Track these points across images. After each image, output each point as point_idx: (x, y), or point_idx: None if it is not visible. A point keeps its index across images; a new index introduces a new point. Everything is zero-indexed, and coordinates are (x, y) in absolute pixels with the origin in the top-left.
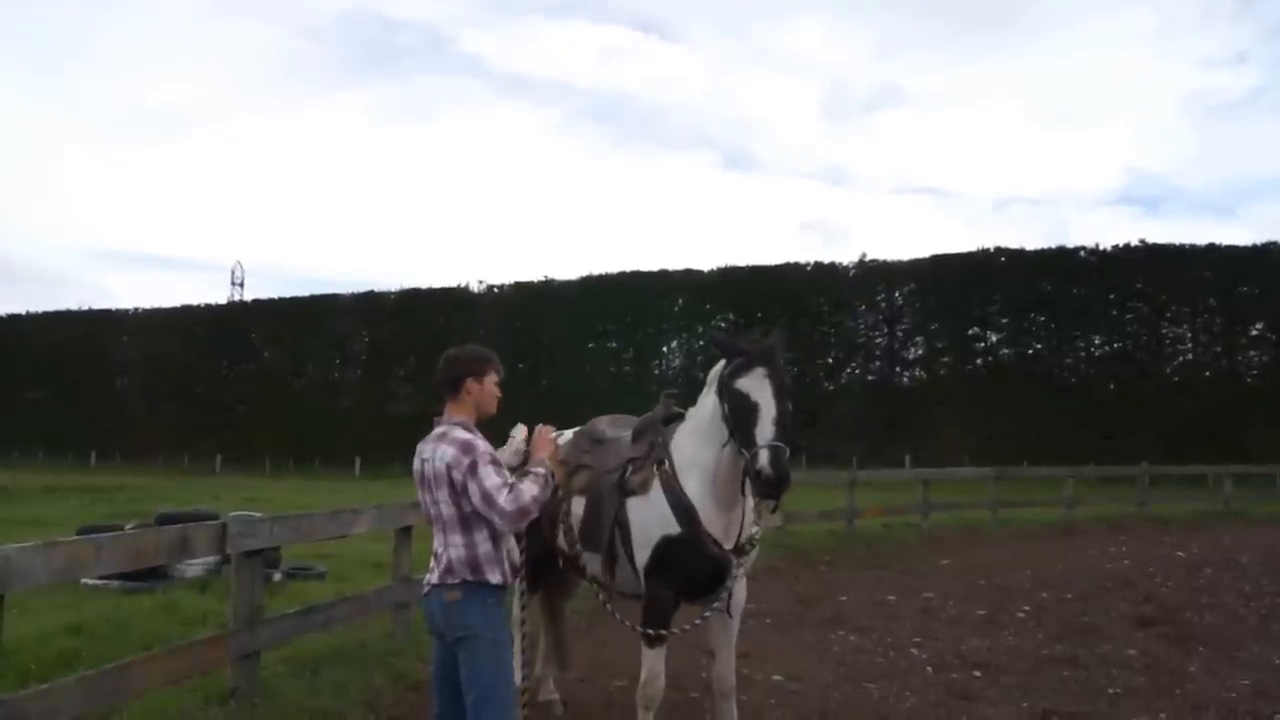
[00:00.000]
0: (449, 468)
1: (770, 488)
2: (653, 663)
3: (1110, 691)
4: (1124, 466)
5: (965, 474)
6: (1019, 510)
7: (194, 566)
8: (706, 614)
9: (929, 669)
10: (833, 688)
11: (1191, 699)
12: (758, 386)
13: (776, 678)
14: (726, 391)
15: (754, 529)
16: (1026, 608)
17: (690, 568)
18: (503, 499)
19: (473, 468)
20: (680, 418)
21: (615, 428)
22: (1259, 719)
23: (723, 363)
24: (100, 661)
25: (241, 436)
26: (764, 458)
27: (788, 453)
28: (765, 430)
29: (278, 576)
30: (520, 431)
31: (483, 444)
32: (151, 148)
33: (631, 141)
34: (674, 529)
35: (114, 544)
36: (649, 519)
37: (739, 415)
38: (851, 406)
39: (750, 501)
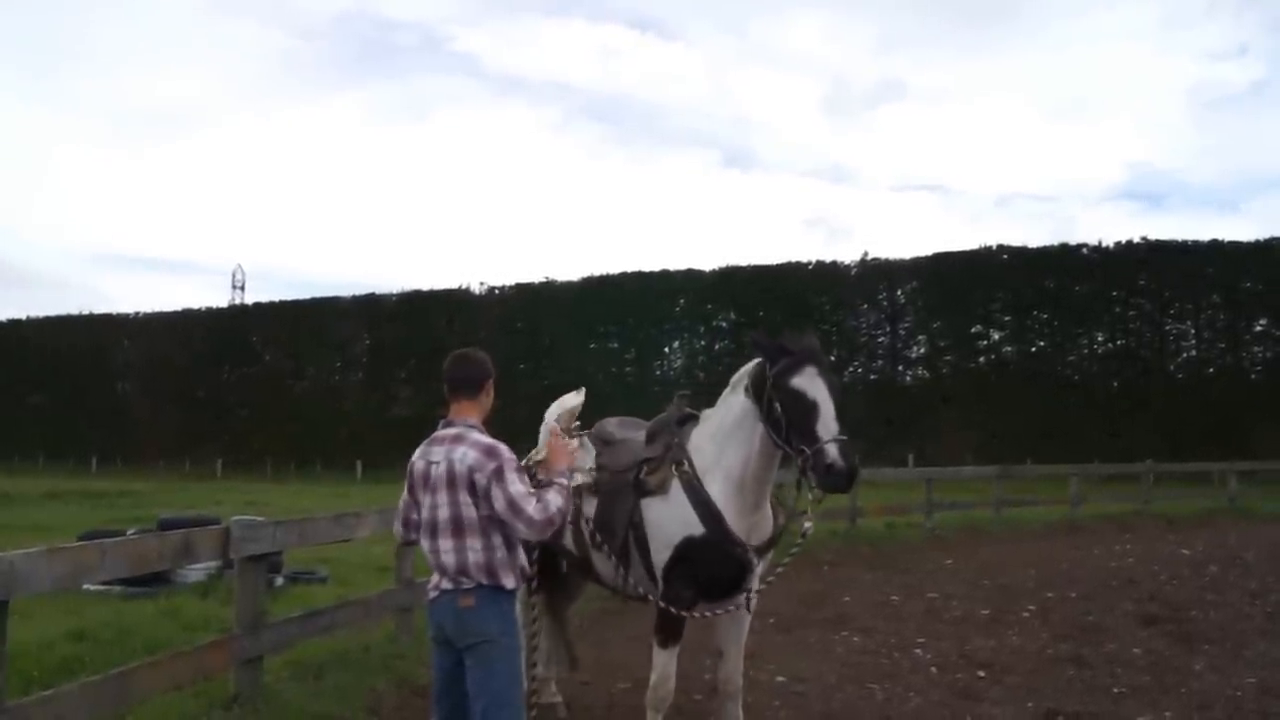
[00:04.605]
0: (471, 470)
1: (842, 479)
2: (664, 664)
3: (1115, 690)
4: (1128, 464)
5: (968, 473)
6: (1023, 509)
7: (196, 571)
8: (731, 608)
9: (933, 669)
10: (836, 689)
11: (1197, 697)
12: (812, 385)
13: (780, 679)
14: (778, 390)
15: (806, 524)
16: (1031, 607)
17: (713, 568)
18: (531, 508)
19: (499, 472)
20: (694, 419)
21: (624, 429)
22: (1265, 717)
23: (754, 363)
24: (103, 667)
25: (243, 440)
26: (834, 451)
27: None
28: (829, 425)
29: (280, 581)
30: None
31: (506, 449)
32: (150, 148)
33: (631, 140)
34: (698, 529)
35: (116, 549)
36: (669, 519)
37: (795, 413)
38: (853, 405)
39: (769, 505)
